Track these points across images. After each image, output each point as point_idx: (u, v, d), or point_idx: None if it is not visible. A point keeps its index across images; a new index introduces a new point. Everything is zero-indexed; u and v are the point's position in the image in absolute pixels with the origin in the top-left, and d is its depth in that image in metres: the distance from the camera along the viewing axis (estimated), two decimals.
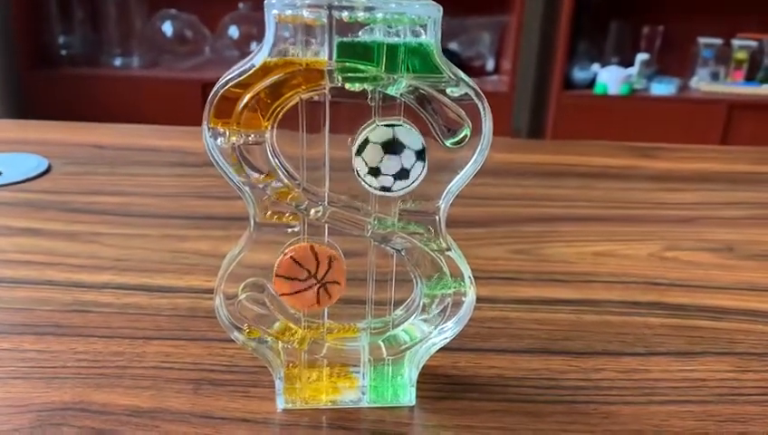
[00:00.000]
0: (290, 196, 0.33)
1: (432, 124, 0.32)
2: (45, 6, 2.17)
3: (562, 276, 0.51)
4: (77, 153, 0.74)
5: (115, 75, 2.17)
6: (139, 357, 0.40)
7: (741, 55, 2.28)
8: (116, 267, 0.50)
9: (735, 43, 2.24)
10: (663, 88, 2.22)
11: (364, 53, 0.30)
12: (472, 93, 0.31)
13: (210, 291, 0.47)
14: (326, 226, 0.34)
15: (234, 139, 0.31)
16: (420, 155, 0.32)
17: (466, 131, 0.32)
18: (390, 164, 0.32)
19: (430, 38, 0.30)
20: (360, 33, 0.30)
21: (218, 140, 0.31)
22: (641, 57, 2.21)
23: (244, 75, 0.30)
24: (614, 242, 0.57)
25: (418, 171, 0.32)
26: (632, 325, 0.45)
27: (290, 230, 0.34)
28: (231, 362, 0.40)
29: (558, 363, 0.41)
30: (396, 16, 0.30)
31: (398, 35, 0.30)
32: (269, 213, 0.33)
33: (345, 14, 0.29)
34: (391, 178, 0.32)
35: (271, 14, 0.30)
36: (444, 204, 0.34)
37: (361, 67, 0.30)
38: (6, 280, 0.48)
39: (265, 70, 0.30)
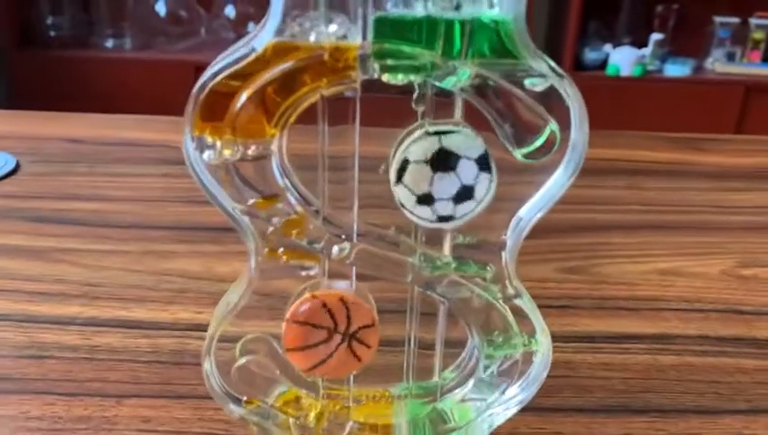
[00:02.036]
0: (299, 230, 0.24)
1: (500, 128, 0.23)
2: None
3: (626, 303, 0.43)
4: (50, 149, 0.65)
5: (106, 57, 2.07)
6: (110, 424, 0.31)
7: (758, 35, 2.20)
8: (86, 295, 0.41)
9: (753, 22, 2.16)
10: (677, 69, 2.13)
11: (412, 31, 0.21)
12: (561, 88, 0.22)
13: (200, 327, 0.39)
14: (353, 267, 0.25)
15: (227, 152, 0.22)
16: (483, 163, 0.23)
17: (546, 139, 0.23)
18: (444, 185, 0.23)
19: (507, 10, 0.21)
20: (402, 3, 0.21)
21: (205, 154, 0.23)
22: (655, 37, 2.13)
23: (242, 63, 0.21)
24: (679, 256, 0.49)
25: (485, 187, 0.23)
26: (722, 370, 0.37)
27: (304, 273, 0.25)
28: (227, 430, 0.31)
29: (641, 427, 0.32)
30: None
31: (460, 7, 0.21)
32: (276, 250, 0.24)
33: None
34: (450, 203, 0.23)
35: None
36: (514, 237, 0.25)
37: (407, 51, 0.21)
38: None
39: (271, 56, 0.21)
